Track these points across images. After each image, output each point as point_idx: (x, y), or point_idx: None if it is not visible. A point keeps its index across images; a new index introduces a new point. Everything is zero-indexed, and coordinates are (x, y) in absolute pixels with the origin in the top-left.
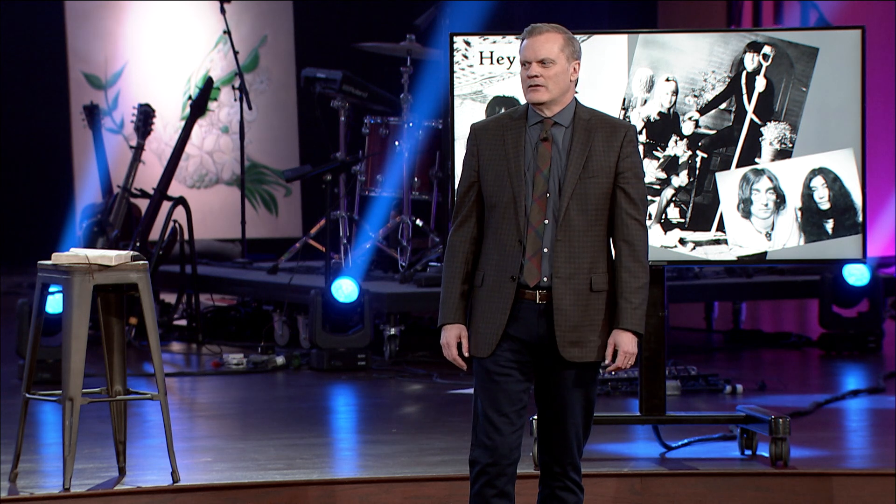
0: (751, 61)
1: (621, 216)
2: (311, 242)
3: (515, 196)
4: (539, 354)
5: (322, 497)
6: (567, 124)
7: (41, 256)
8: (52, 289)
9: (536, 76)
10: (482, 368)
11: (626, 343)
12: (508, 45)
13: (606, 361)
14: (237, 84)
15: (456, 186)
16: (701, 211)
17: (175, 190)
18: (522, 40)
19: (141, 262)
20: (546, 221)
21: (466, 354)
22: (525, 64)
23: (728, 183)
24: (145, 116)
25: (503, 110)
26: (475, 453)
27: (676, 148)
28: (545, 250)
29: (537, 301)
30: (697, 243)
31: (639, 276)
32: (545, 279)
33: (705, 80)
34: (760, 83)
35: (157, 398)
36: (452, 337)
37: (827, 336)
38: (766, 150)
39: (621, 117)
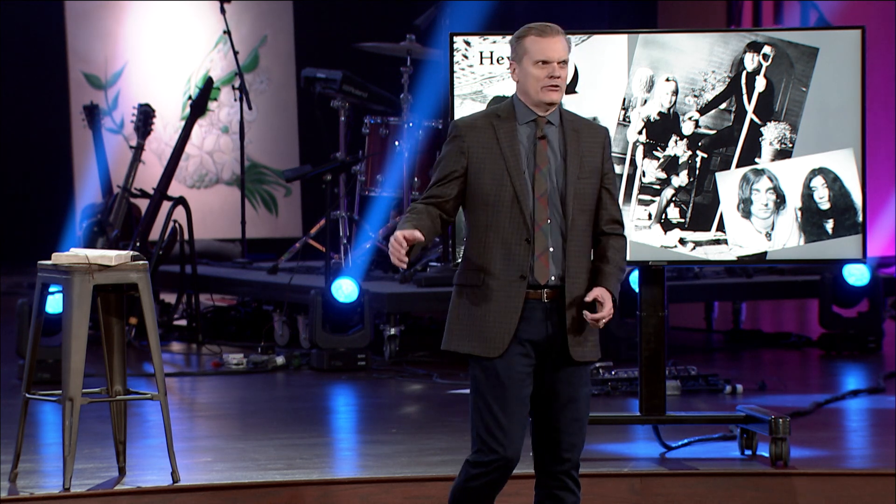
0: (751, 61)
1: (608, 216)
2: (311, 242)
3: (518, 194)
4: (543, 354)
5: (322, 497)
6: (557, 124)
7: (41, 256)
8: (52, 289)
9: (559, 76)
10: (494, 372)
11: (610, 300)
12: (508, 46)
13: (599, 307)
14: (237, 84)
15: (434, 175)
16: (701, 211)
17: (175, 190)
18: (531, 37)
19: (141, 262)
20: (549, 220)
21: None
22: (544, 63)
23: (728, 183)
24: (145, 116)
25: None
26: (484, 457)
27: (676, 148)
28: (551, 249)
29: (544, 300)
30: (697, 243)
31: (623, 267)
32: (552, 278)
33: (705, 80)
34: (760, 83)
35: (157, 398)
36: (408, 232)
37: (827, 336)
38: (766, 150)
39: (621, 117)
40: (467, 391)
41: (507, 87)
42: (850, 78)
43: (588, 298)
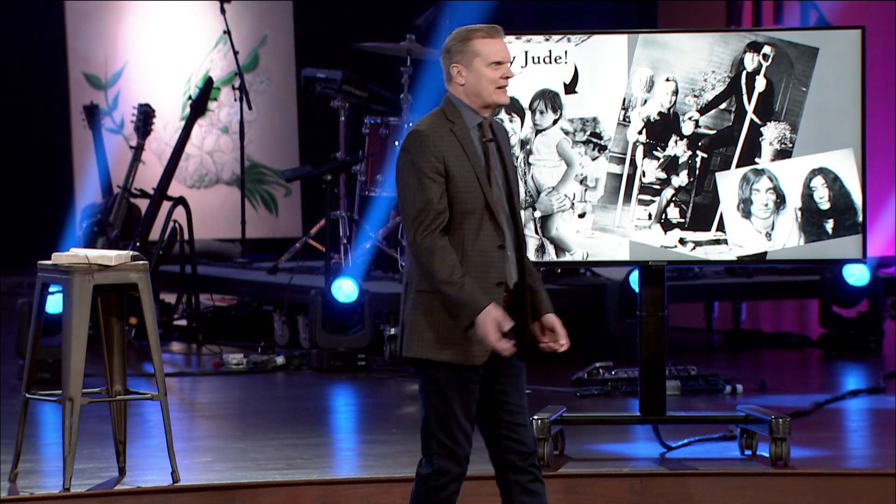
0: (751, 61)
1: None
2: (311, 242)
3: (488, 200)
4: (497, 358)
5: (322, 497)
6: (488, 126)
7: (41, 256)
8: (52, 289)
9: (511, 77)
10: (463, 379)
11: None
12: (508, 45)
13: (565, 342)
14: (237, 84)
15: (421, 194)
16: (701, 211)
17: (175, 190)
18: (479, 39)
19: (141, 262)
20: (505, 224)
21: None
22: (498, 64)
23: (728, 183)
24: (145, 116)
25: (503, 110)
26: (446, 463)
27: (676, 148)
28: (509, 253)
29: (502, 305)
30: (697, 243)
31: None
32: (511, 283)
33: (705, 80)
34: (760, 83)
35: (157, 398)
36: (502, 315)
37: (827, 336)
38: (766, 150)
39: (621, 117)
40: None
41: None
42: (850, 78)
43: (562, 334)
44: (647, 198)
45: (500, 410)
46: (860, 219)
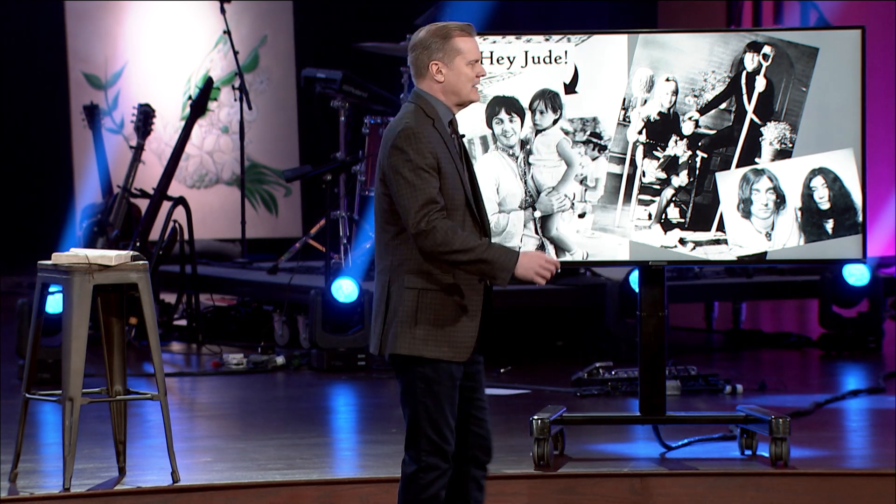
0: (751, 61)
1: None
2: (311, 242)
3: (468, 196)
4: (473, 353)
5: (322, 497)
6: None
7: (41, 256)
8: (52, 289)
9: (484, 75)
10: (450, 375)
11: None
12: (508, 45)
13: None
14: (237, 84)
15: (423, 188)
16: (701, 211)
17: (175, 190)
18: (459, 37)
19: (141, 262)
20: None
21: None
22: (474, 62)
23: (728, 183)
24: (145, 116)
25: (503, 111)
26: (435, 459)
27: (676, 148)
28: None
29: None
30: (697, 243)
31: None
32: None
33: (705, 80)
34: (760, 83)
35: (157, 398)
36: (539, 252)
37: (827, 336)
38: (766, 150)
39: (621, 117)
40: None
41: (507, 88)
42: (850, 78)
43: None
44: (647, 198)
45: (470, 406)
46: (860, 219)
